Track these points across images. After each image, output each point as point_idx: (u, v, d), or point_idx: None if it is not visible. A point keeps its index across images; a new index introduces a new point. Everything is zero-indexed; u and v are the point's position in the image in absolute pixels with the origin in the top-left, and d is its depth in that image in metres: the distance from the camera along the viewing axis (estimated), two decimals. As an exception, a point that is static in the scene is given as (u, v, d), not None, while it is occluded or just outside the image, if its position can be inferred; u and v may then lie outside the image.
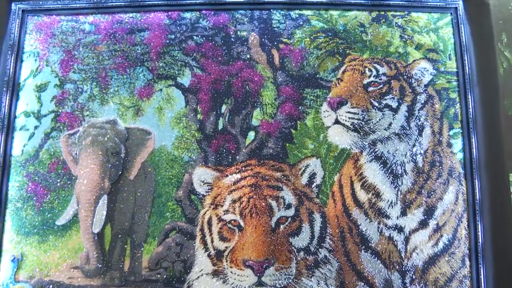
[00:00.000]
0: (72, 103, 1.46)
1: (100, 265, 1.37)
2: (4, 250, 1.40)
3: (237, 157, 1.40)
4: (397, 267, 1.38)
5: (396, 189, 1.41)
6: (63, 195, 1.41)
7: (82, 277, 1.37)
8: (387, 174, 1.41)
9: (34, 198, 1.42)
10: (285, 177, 1.37)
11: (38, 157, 1.44)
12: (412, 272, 1.38)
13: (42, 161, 1.44)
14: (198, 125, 1.42)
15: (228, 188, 1.36)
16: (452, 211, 1.41)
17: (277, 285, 1.31)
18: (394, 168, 1.41)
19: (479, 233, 1.38)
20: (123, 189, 1.39)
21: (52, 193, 1.42)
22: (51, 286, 1.39)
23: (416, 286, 1.38)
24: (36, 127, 1.46)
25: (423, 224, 1.40)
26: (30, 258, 1.40)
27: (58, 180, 1.42)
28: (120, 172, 1.38)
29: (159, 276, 1.36)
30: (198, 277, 1.34)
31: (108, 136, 1.39)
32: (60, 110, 1.47)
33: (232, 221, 1.33)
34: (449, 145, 1.45)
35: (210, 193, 1.37)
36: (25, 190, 1.43)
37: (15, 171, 1.44)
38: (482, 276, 1.36)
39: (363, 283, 1.37)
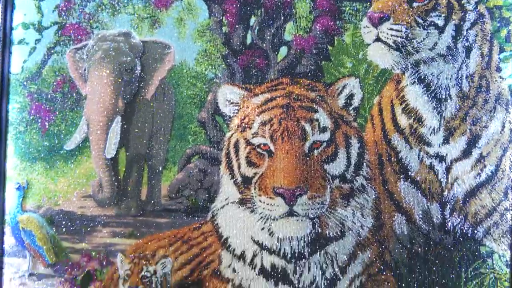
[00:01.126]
0: (79, 13, 1.37)
1: (114, 194, 1.35)
2: (8, 178, 1.37)
3: (267, 74, 1.37)
4: (437, 198, 1.38)
5: (439, 114, 1.39)
6: (71, 117, 1.39)
7: (95, 206, 1.36)
8: (430, 98, 1.39)
9: (38, 121, 1.39)
10: (320, 98, 1.34)
11: (41, 75, 1.40)
12: (452, 204, 1.38)
13: (46, 80, 1.39)
14: (223, 39, 1.36)
15: (257, 108, 1.32)
16: (497, 141, 1.40)
17: (309, 214, 1.29)
18: (438, 92, 1.39)
19: (524, 164, 1.37)
20: (139, 110, 1.35)
21: (58, 115, 1.39)
22: (61, 216, 1.37)
23: (456, 218, 1.38)
24: (37, 41, 1.39)
25: (466, 153, 1.38)
26: (36, 186, 1.38)
27: (65, 101, 1.39)
28: (135, 91, 1.31)
29: (179, 205, 1.36)
30: (223, 206, 1.33)
31: (121, 50, 1.31)
32: (64, 21, 1.38)
33: (262, 145, 1.29)
34: (498, 69, 1.42)
35: (237, 114, 1.34)
36: (27, 112, 1.40)
37: (15, 91, 1.40)
38: (525, 209, 1.36)
39: (400, 214, 1.37)
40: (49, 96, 1.37)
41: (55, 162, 1.36)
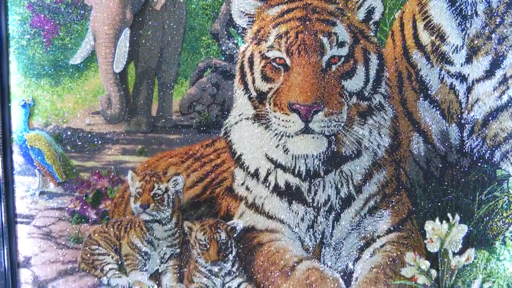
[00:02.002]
0: None
1: (124, 110, 1.39)
2: (13, 95, 1.40)
3: None
4: (456, 119, 1.42)
5: (464, 32, 1.40)
6: (76, 29, 1.42)
7: (104, 123, 1.41)
8: (455, 14, 1.39)
9: (42, 34, 1.43)
10: (339, 11, 1.35)
11: None
12: (471, 125, 1.42)
13: None
14: None
15: (273, 20, 1.33)
16: None
17: (325, 132, 1.33)
18: (464, 7, 1.39)
19: (550, 88, 1.41)
20: (148, 21, 1.37)
21: (62, 28, 1.42)
22: (69, 134, 1.42)
23: (474, 140, 1.43)
24: None
25: (489, 73, 1.41)
26: (42, 103, 1.41)
27: (69, 12, 1.41)
28: (144, 1, 1.35)
29: (191, 121, 1.42)
30: (237, 122, 1.38)
31: (127, -44, 1.29)
32: None
33: (277, 59, 1.32)
34: (529, -16, 1.47)
35: (251, 26, 1.36)
36: (29, 25, 1.43)
37: (14, 2, 1.39)
38: (545, 133, 1.42)
39: (418, 134, 1.42)
40: (51, 7, 1.38)
41: (61, 78, 1.39)
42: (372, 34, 1.37)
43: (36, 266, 1.48)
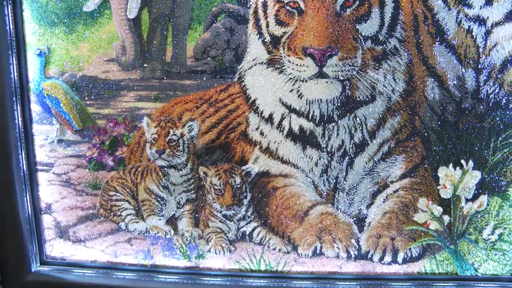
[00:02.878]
0: None
1: (138, 56, 1.44)
2: (28, 44, 1.45)
3: None
4: (473, 64, 1.45)
5: None
6: None
7: (119, 70, 1.44)
8: None
9: None
10: None
11: None
12: (488, 71, 1.45)
13: None
14: None
15: None
16: None
17: (339, 76, 1.38)
18: None
19: None
20: None
21: None
22: (84, 81, 1.51)
23: (490, 86, 1.46)
24: None
25: (509, 16, 1.41)
26: (58, 51, 1.46)
27: None
28: None
29: (206, 66, 1.44)
30: (251, 66, 1.42)
31: None
32: None
33: (291, 2, 1.34)
34: None
35: None
36: None
37: None
38: None
39: (433, 79, 1.45)
40: None
41: (75, 26, 1.43)
42: (388, -25, 1.40)
43: (57, 212, 1.57)
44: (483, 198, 1.51)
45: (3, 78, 1.41)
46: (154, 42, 1.41)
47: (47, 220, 1.59)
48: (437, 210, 1.50)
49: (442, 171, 1.48)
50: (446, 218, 1.51)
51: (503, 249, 1.53)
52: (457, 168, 1.48)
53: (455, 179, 1.48)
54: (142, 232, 1.55)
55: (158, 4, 1.40)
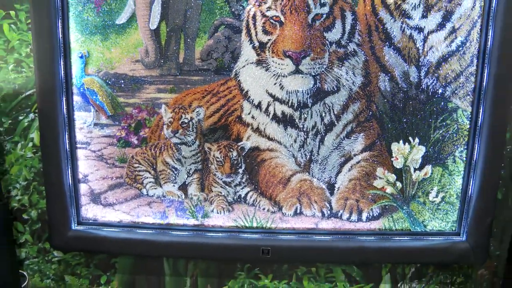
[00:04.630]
0: None
1: (158, 58, 1.77)
2: (72, 49, 1.86)
3: None
4: (415, 62, 1.70)
5: None
6: None
7: (143, 69, 1.79)
8: None
9: (93, 1, 1.86)
10: None
11: None
12: (427, 67, 1.70)
13: None
14: None
15: None
16: (468, 16, 1.64)
17: (312, 73, 1.71)
18: None
19: (489, 37, 1.61)
20: None
21: None
22: (116, 78, 1.92)
23: (429, 79, 1.71)
24: None
25: (440, 26, 1.65)
26: (95, 54, 1.80)
27: None
28: None
29: (210, 65, 1.77)
30: (244, 66, 1.75)
31: None
32: None
33: (274, 17, 1.67)
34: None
35: None
36: None
37: None
38: (485, 74, 1.66)
39: (384, 74, 1.72)
40: None
41: (109, 35, 1.76)
42: (347, -4, 1.67)
43: (92, 181, 1.92)
44: (428, 168, 1.79)
45: (54, 75, 1.85)
46: (170, 47, 1.73)
47: (83, 188, 1.91)
48: (392, 177, 1.81)
49: (394, 146, 1.77)
50: (399, 184, 1.81)
51: (445, 209, 1.81)
52: (406, 144, 1.77)
53: (405, 153, 1.77)
54: (159, 197, 1.90)
55: (173, 18, 1.77)
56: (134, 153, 1.88)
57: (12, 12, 1.93)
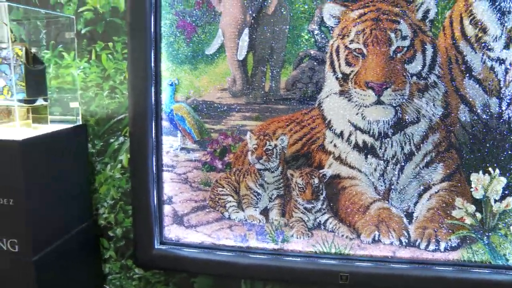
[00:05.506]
0: None
1: (244, 87, 2.19)
2: (163, 77, 2.33)
3: None
4: (496, 93, 1.99)
5: (502, 25, 1.92)
6: (210, 29, 2.23)
7: (230, 97, 2.24)
8: (495, 11, 1.92)
9: (184, 33, 2.31)
10: (402, 12, 1.97)
11: None
12: (509, 98, 1.98)
13: (189, 1, 2.25)
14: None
15: (354, 21, 2.02)
16: None
17: (393, 103, 2.05)
18: (503, 5, 1.92)
19: None
20: (263, 22, 2.15)
21: (199, 28, 2.26)
22: (203, 105, 2.34)
23: (510, 110, 1.99)
24: (181, -31, 2.32)
25: None
26: (184, 82, 2.29)
27: (204, 16, 2.22)
28: (259, 8, 2.11)
29: (294, 95, 2.17)
30: (327, 96, 2.14)
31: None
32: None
33: (357, 49, 2.03)
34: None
35: (338, 25, 2.06)
36: (175, 27, 2.31)
37: (165, 11, 2.26)
38: None
39: (464, 105, 2.03)
40: (192, 13, 2.21)
41: (198, 64, 2.24)
42: (427, 29, 1.98)
43: (176, 203, 2.37)
44: (509, 200, 2.06)
45: (145, 101, 2.38)
46: (256, 77, 2.16)
47: (167, 209, 2.36)
48: (471, 208, 2.08)
49: (474, 177, 2.06)
50: (479, 215, 2.07)
51: (530, 243, 1.87)
52: (486, 174, 2.05)
53: (485, 183, 2.05)
54: (241, 220, 2.30)
55: (260, 50, 2.17)
56: (218, 177, 2.31)
57: (110, 44, 2.51)
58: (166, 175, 2.39)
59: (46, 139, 2.06)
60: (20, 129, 2.05)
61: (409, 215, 2.20)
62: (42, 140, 2.03)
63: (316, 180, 2.22)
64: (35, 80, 2.13)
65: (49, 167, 2.07)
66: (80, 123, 2.38)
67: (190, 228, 2.41)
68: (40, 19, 2.54)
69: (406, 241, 2.19)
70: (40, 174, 2.01)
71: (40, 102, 2.18)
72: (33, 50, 2.28)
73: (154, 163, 2.35)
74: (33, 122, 2.14)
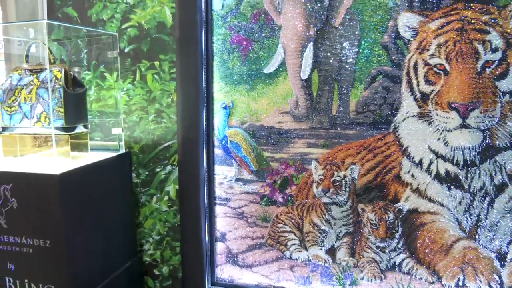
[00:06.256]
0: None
1: (309, 110, 2.21)
2: (215, 99, 2.47)
3: (443, 0, 1.96)
4: None
5: None
6: (268, 44, 2.25)
7: (292, 121, 2.25)
8: None
9: (239, 49, 2.41)
10: (492, 20, 1.90)
11: (239, 10, 2.47)
12: None
13: (244, 13, 2.42)
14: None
15: (434, 32, 1.99)
16: None
17: (481, 127, 1.98)
18: None
19: None
20: (329, 36, 2.16)
21: (256, 44, 2.41)
22: (262, 130, 2.42)
23: None
24: (235, -20, 2.42)
25: None
26: (240, 105, 2.34)
27: (261, 31, 2.36)
28: (324, 20, 2.37)
29: (366, 118, 2.16)
30: (404, 119, 2.11)
31: (312, -15, 2.44)
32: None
33: (438, 65, 1.99)
34: None
35: (415, 38, 2.04)
36: (229, 42, 2.43)
37: (218, 25, 2.44)
38: None
39: None
40: (247, 27, 2.38)
41: (256, 84, 2.26)
42: (524, 40, 1.76)
43: (230, 240, 2.38)
44: None
45: (196, 126, 2.39)
46: (322, 98, 2.15)
47: (220, 247, 2.37)
48: None
49: None
50: None
51: None
52: None
53: None
54: (304, 260, 2.30)
55: (326, 67, 2.15)
56: (278, 212, 2.33)
57: (156, 63, 2.55)
58: (219, 209, 2.42)
59: (86, 171, 2.19)
60: (58, 159, 2.22)
61: (502, 257, 2.12)
62: (82, 172, 2.14)
63: (391, 216, 2.20)
64: (74, 105, 2.22)
65: (89, 202, 2.16)
66: (124, 151, 2.54)
67: (245, 268, 2.41)
68: (81, 37, 2.52)
69: (498, 286, 2.10)
70: (80, 210, 2.07)
71: (80, 129, 2.32)
72: (75, 69, 2.25)
73: (205, 196, 2.39)
74: (72, 150, 2.32)
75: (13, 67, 2.39)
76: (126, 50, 2.56)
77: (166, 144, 2.58)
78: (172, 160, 2.57)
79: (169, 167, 2.60)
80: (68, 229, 1.91)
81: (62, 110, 2.16)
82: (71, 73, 2.24)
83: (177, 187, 2.50)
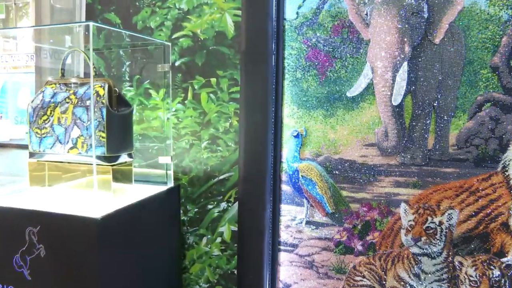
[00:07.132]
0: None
1: (400, 142, 2.25)
2: (285, 125, 2.40)
3: None
4: None
5: None
6: (352, 62, 2.32)
7: (378, 155, 2.25)
8: None
9: (316, 67, 2.37)
10: None
11: (317, 20, 2.41)
12: None
13: (322, 25, 2.39)
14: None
15: None
16: None
17: None
18: None
19: None
20: (427, 54, 2.15)
21: (337, 61, 2.36)
22: (340, 165, 2.39)
23: None
24: (313, -15, 2.37)
25: None
26: (314, 134, 2.37)
27: (344, 46, 2.35)
28: (422, 35, 2.28)
29: (469, 154, 2.13)
30: None
31: (408, -6, 2.31)
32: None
33: None
34: None
35: None
36: (304, 58, 2.39)
37: (291, 37, 2.40)
38: None
39: None
40: (327, 41, 2.42)
41: (335, 110, 2.31)
42: None
43: None
44: None
45: (261, 157, 2.34)
46: (417, 128, 2.19)
47: None
48: None
49: None
50: None
51: None
52: None
53: None
54: None
55: (422, 92, 2.20)
56: (356, 262, 2.31)
57: (213, 80, 2.48)
58: (284, 256, 2.38)
59: (130, 211, 2.08)
60: (98, 194, 2.08)
61: None
62: (125, 213, 2.04)
63: (496, 272, 2.13)
64: (119, 129, 2.04)
65: (130, 246, 2.07)
66: (172, 184, 2.44)
67: (314, 328, 2.33)
68: (124, 47, 2.39)
69: None
70: (120, 258, 2.02)
71: (123, 158, 2.21)
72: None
73: (269, 240, 2.36)
74: (113, 180, 2.18)
75: (45, 80, 2.22)
76: (177, 63, 2.50)
77: (221, 177, 2.49)
78: (228, 196, 2.49)
79: (224, 204, 2.51)
80: (105, 279, 1.89)
81: (104, 135, 1.99)
82: (116, 89, 2.07)
83: (233, 228, 2.44)
